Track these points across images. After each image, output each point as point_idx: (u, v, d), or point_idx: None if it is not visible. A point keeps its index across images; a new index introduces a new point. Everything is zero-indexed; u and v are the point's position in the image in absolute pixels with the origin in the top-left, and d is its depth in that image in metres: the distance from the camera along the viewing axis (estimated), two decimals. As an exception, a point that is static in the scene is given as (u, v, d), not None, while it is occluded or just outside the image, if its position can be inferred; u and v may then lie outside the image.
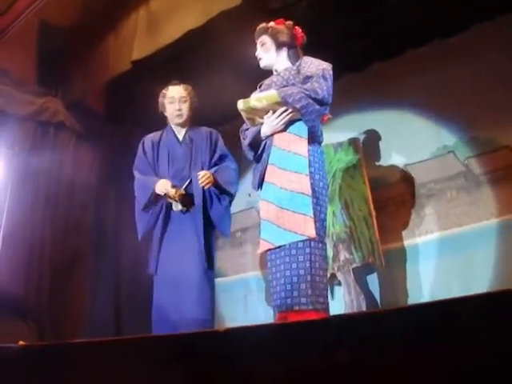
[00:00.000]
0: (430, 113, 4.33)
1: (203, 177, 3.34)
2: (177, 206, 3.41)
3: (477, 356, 1.05)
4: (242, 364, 1.37)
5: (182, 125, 3.62)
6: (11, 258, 4.26)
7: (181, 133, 3.63)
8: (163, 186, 3.36)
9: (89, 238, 4.94)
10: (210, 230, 3.46)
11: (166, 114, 3.65)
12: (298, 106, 2.71)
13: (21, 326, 4.08)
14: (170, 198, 3.39)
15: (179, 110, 3.56)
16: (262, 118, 2.86)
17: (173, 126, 3.65)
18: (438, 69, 4.29)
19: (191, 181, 3.43)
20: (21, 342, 2.65)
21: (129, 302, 4.99)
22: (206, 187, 3.35)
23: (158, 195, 3.43)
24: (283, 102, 2.74)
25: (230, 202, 3.52)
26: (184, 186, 3.42)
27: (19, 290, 4.24)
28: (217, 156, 3.55)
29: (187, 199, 3.39)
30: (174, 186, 3.39)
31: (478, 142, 4.08)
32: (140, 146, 3.67)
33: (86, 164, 5.09)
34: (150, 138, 3.68)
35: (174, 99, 3.56)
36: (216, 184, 3.40)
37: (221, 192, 3.44)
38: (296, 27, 3.12)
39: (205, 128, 3.69)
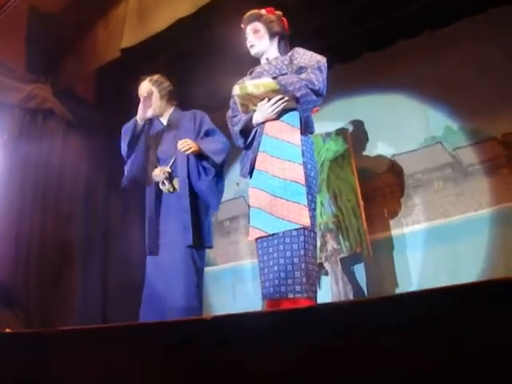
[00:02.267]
0: (418, 103, 4.35)
1: (183, 142, 3.28)
2: (164, 186, 3.39)
3: (461, 344, 1.07)
4: (229, 352, 1.38)
5: (159, 114, 3.60)
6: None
7: (165, 118, 3.63)
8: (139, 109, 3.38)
9: (79, 227, 4.91)
10: (200, 207, 3.42)
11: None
12: (298, 94, 2.72)
13: (7, 314, 4.06)
14: (156, 178, 3.40)
15: (148, 106, 3.49)
16: (256, 105, 2.86)
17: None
18: (428, 60, 4.31)
19: (176, 159, 3.42)
20: (7, 330, 2.65)
21: (118, 292, 4.98)
22: (186, 152, 3.29)
23: (139, 134, 3.46)
24: (283, 90, 2.75)
25: (218, 175, 3.45)
26: (169, 165, 3.42)
27: (6, 279, 4.22)
28: (203, 132, 3.50)
29: (173, 179, 3.40)
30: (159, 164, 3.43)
31: (466, 132, 4.11)
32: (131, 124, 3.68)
33: (75, 152, 5.05)
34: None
35: (143, 97, 3.48)
36: (200, 153, 3.35)
37: (207, 161, 3.38)
38: (283, 17, 3.13)
39: (189, 111, 3.66)
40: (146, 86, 3.53)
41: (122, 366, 1.59)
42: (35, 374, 1.75)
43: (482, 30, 4.04)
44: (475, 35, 4.08)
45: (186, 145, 3.28)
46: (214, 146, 3.42)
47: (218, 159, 3.39)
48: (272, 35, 3.06)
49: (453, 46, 4.19)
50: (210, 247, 3.52)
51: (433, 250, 4.03)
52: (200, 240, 3.34)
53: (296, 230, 2.63)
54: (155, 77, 3.59)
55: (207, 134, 3.52)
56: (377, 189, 4.41)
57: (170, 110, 3.64)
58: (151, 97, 3.51)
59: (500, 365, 1.02)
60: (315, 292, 2.66)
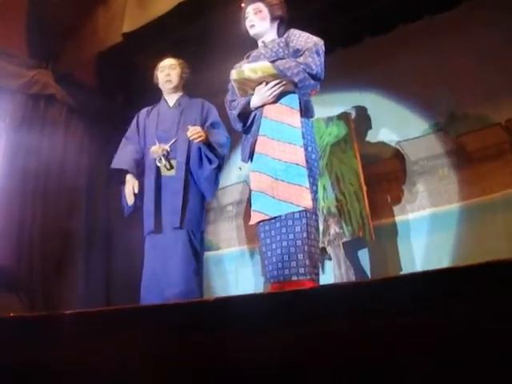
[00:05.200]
0: (421, 89, 4.31)
1: (194, 130, 3.31)
2: (161, 163, 3.41)
3: (460, 324, 1.07)
4: (230, 334, 1.38)
5: (172, 91, 3.67)
6: (2, 231, 4.25)
7: (172, 100, 3.69)
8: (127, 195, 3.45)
9: (81, 213, 4.93)
10: (194, 193, 3.44)
11: (159, 85, 3.71)
12: (296, 79, 2.73)
13: (12, 299, 4.08)
14: (154, 154, 3.42)
15: (168, 75, 3.64)
16: (253, 89, 2.86)
17: (165, 95, 3.71)
18: (431, 45, 4.28)
19: (177, 140, 3.47)
20: (12, 315, 2.66)
21: (122, 278, 4.99)
22: (196, 141, 3.32)
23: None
24: (281, 75, 2.74)
25: (219, 167, 3.48)
26: (169, 144, 3.45)
27: (10, 264, 4.23)
28: (209, 123, 3.54)
29: (171, 160, 3.43)
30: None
31: (470, 119, 4.08)
32: (135, 118, 3.76)
33: (77, 137, 5.05)
34: (145, 109, 3.77)
35: (165, 67, 3.66)
36: (207, 142, 3.38)
37: (212, 152, 3.40)
38: (284, 3, 3.12)
39: (198, 99, 3.72)
40: (171, 61, 3.68)
41: (124, 349, 1.59)
42: (40, 357, 1.76)
43: (482, 16, 4.01)
44: (477, 20, 4.04)
45: (196, 133, 3.30)
46: (221, 139, 3.47)
47: (223, 152, 3.45)
48: (273, 18, 3.06)
49: (455, 30, 4.16)
50: (201, 232, 3.51)
51: (436, 236, 4.02)
52: (189, 224, 3.36)
53: (298, 212, 2.64)
54: (181, 60, 3.72)
55: (213, 125, 3.55)
56: (382, 174, 4.40)
57: (179, 94, 3.70)
58: (172, 69, 3.63)
59: (494, 343, 1.03)
60: (318, 274, 2.68)
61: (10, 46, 4.62)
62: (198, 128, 3.35)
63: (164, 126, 3.57)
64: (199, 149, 3.41)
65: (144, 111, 3.74)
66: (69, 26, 4.69)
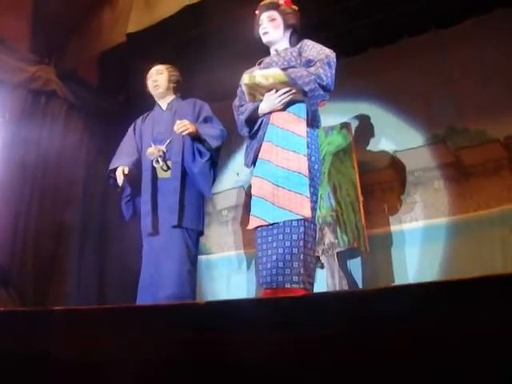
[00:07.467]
0: (423, 101, 4.32)
1: (180, 123, 3.33)
2: (158, 164, 3.43)
3: (448, 335, 1.08)
4: (220, 337, 1.38)
5: (162, 95, 3.72)
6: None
7: (164, 104, 3.73)
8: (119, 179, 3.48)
9: (77, 210, 4.91)
10: (192, 191, 3.45)
11: (151, 92, 3.76)
12: (306, 88, 2.75)
13: (2, 293, 4.06)
14: (151, 156, 3.44)
15: (155, 81, 3.69)
16: (263, 95, 2.88)
17: (157, 101, 3.76)
18: (435, 58, 4.29)
19: (172, 140, 3.48)
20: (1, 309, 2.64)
21: (116, 276, 4.99)
22: (183, 134, 3.33)
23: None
24: (291, 83, 2.76)
25: (212, 160, 3.50)
26: (165, 145, 3.48)
27: (2, 258, 4.22)
28: (201, 118, 3.58)
29: (168, 161, 3.45)
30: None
31: (470, 133, 4.09)
32: (131, 126, 3.82)
33: (76, 134, 5.04)
34: (141, 116, 3.83)
35: (152, 74, 3.72)
36: (197, 135, 3.40)
37: (202, 145, 3.43)
38: (298, 12, 3.14)
39: (190, 98, 3.76)
40: (158, 67, 3.72)
41: (114, 348, 1.59)
42: (27, 352, 1.75)
43: (488, 31, 4.03)
44: (482, 35, 4.06)
45: (183, 126, 3.32)
46: (212, 131, 3.49)
47: (214, 144, 3.45)
48: (287, 27, 3.08)
49: (460, 45, 4.17)
50: (200, 232, 3.53)
51: (430, 248, 4.02)
52: (187, 223, 3.37)
53: (297, 220, 2.66)
54: (168, 65, 3.77)
55: (206, 120, 3.59)
56: (376, 183, 4.40)
57: (171, 97, 3.75)
58: (159, 74, 3.68)
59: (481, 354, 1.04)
60: (312, 284, 2.69)
61: (14, 41, 4.61)
62: (185, 121, 3.36)
63: (159, 129, 3.61)
64: (192, 145, 3.42)
65: (139, 119, 3.80)
66: (74, 23, 4.69)
